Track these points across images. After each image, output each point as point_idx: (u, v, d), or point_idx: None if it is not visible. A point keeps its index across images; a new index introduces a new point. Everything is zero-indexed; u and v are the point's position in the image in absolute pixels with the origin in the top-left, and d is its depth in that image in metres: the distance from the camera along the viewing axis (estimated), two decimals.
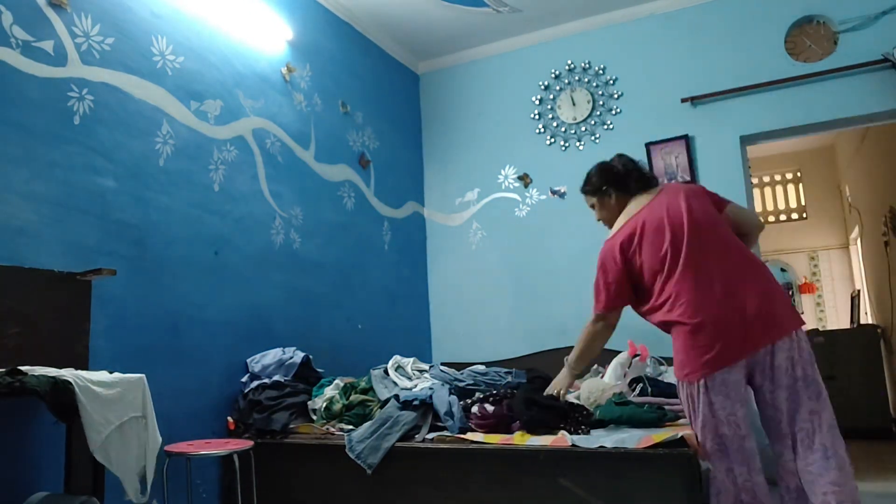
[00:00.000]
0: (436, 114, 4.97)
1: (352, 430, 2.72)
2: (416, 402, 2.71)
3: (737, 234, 2.24)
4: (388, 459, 2.53)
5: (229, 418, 2.89)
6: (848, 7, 3.79)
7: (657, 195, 2.32)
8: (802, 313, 7.41)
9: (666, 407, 2.53)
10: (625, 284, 2.28)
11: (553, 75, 4.54)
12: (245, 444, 2.39)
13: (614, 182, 2.41)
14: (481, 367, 3.22)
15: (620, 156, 2.48)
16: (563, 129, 4.50)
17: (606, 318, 2.37)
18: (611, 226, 2.42)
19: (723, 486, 2.03)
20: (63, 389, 1.79)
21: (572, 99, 4.48)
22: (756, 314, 2.03)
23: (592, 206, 2.52)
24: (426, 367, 3.33)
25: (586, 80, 4.45)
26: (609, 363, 3.48)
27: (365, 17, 4.30)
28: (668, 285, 2.15)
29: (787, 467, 2.05)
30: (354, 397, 2.95)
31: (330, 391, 3.03)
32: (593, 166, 2.53)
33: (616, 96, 4.36)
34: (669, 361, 3.63)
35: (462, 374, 3.12)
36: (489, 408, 2.63)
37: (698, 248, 2.14)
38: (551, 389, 2.58)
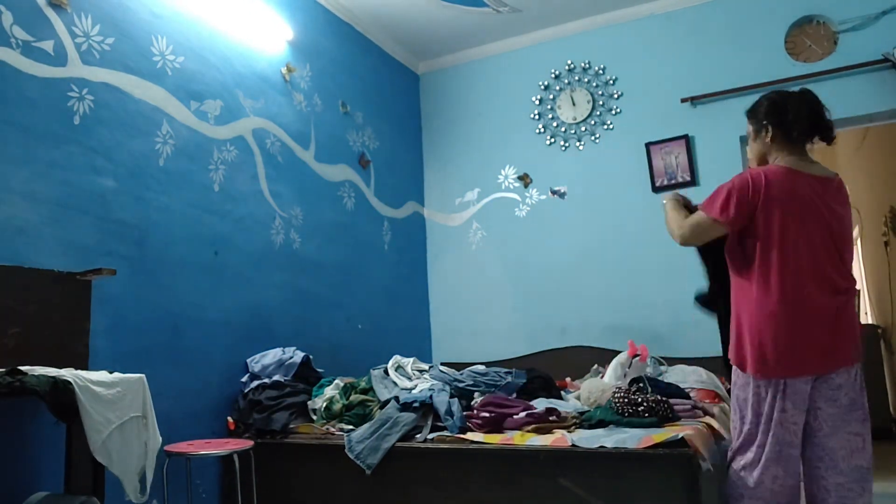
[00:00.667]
0: (436, 114, 4.97)
1: (352, 430, 2.72)
2: (416, 405, 2.71)
3: None
4: (388, 459, 2.53)
5: (229, 418, 2.89)
6: (848, 7, 3.79)
7: (832, 179, 2.09)
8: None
9: None
10: (745, 214, 2.03)
11: (553, 75, 4.54)
12: (245, 444, 2.39)
13: (781, 122, 2.11)
14: (481, 367, 3.22)
15: (805, 93, 2.13)
16: (563, 129, 4.50)
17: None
18: (756, 164, 2.20)
19: (766, 493, 2.03)
20: (63, 389, 1.79)
21: (572, 99, 4.48)
22: (843, 337, 2.02)
23: (748, 135, 2.25)
24: (426, 367, 3.33)
25: (586, 80, 4.45)
26: (609, 363, 3.48)
27: (365, 18, 4.30)
28: (790, 263, 1.98)
29: (819, 482, 2.06)
30: (354, 397, 2.95)
31: (330, 391, 3.03)
32: (775, 92, 2.22)
33: (616, 96, 4.36)
34: (669, 361, 3.64)
35: (462, 374, 3.12)
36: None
37: (837, 255, 2.04)
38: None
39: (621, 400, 2.46)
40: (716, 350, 3.79)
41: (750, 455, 2.08)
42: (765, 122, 2.15)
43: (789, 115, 2.09)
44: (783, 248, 2.01)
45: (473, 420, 2.60)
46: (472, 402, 2.79)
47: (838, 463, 2.01)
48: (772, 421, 2.02)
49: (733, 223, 2.06)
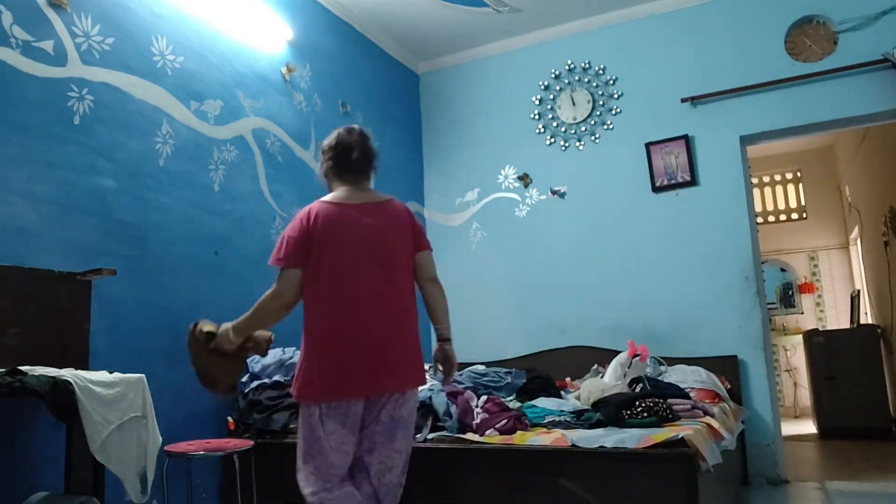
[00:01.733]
0: (436, 114, 4.97)
1: None
2: None
3: (416, 278, 2.28)
4: None
5: (229, 418, 2.89)
6: (848, 7, 3.79)
7: (380, 204, 2.25)
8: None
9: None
10: (303, 249, 2.11)
11: (553, 75, 4.54)
12: (245, 444, 2.39)
13: (329, 157, 2.28)
14: (481, 368, 3.22)
15: (352, 131, 2.32)
16: (563, 129, 4.50)
17: (282, 284, 2.13)
18: (329, 190, 2.30)
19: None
20: (63, 389, 1.79)
21: (572, 99, 4.48)
22: (393, 361, 2.10)
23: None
24: (426, 367, 3.32)
25: (586, 80, 4.45)
26: (609, 363, 3.48)
27: (365, 17, 4.30)
28: (332, 291, 2.07)
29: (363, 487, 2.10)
30: None
31: None
32: (343, 128, 2.35)
33: (616, 96, 4.36)
34: (669, 361, 3.65)
35: (462, 374, 3.12)
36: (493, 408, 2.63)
37: (376, 276, 2.11)
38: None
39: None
40: (716, 350, 3.82)
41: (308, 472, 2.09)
42: (321, 155, 2.32)
43: (333, 151, 2.26)
44: (327, 278, 2.08)
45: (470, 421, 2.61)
46: (474, 403, 2.79)
47: (371, 478, 2.08)
48: (319, 444, 2.04)
49: (292, 265, 2.12)
